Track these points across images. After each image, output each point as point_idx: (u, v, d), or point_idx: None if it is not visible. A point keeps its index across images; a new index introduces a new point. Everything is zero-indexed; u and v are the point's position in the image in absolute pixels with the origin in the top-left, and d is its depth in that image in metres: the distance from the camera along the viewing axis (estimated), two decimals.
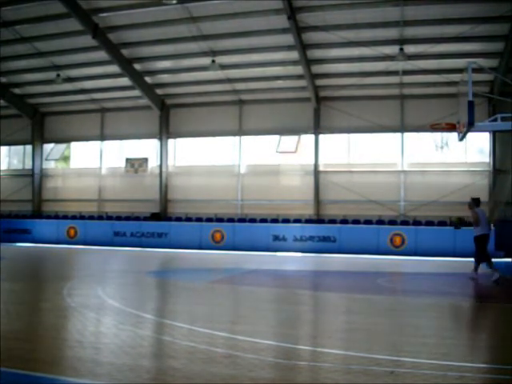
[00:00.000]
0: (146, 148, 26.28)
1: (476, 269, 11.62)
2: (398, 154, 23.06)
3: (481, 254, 11.54)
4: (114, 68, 23.08)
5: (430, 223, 21.62)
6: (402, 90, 22.79)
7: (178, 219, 24.75)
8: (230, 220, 23.92)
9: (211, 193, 24.79)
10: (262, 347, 5.05)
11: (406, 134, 22.95)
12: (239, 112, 25.00)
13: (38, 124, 27.80)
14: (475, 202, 11.90)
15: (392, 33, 19.80)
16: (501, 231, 20.30)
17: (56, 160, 28.19)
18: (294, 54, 20.90)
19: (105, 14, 20.69)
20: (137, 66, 23.50)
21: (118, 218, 25.18)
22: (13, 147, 29.07)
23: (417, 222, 21.86)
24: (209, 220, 24.09)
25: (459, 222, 13.06)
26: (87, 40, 21.12)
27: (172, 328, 5.89)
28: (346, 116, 23.10)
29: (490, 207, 21.62)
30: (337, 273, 14.54)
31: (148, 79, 24.38)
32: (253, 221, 23.61)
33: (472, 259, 12.05)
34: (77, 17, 20.09)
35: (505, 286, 12.00)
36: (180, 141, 26.11)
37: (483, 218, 11.76)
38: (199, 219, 24.22)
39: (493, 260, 11.54)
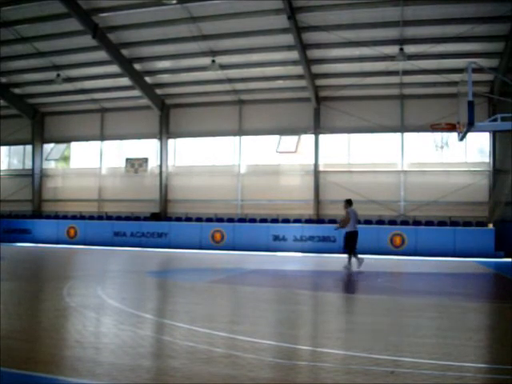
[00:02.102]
0: (146, 148, 26.30)
1: (358, 260, 13.29)
2: (398, 154, 23.08)
3: (352, 247, 13.38)
4: (114, 68, 23.10)
5: (429, 223, 21.63)
6: (402, 90, 22.80)
7: (178, 219, 24.76)
8: (230, 220, 23.92)
9: (211, 193, 24.80)
10: (262, 347, 5.05)
11: (406, 134, 22.99)
12: (239, 112, 25.01)
13: (38, 124, 27.82)
14: (348, 202, 13.72)
15: (392, 33, 19.81)
16: (501, 231, 20.34)
17: (56, 160, 28.20)
18: (294, 54, 20.91)
19: (105, 14, 20.70)
20: (137, 66, 23.51)
21: (118, 218, 25.20)
22: (13, 147, 29.10)
23: (417, 222, 21.87)
24: (209, 220, 24.10)
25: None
26: (87, 40, 21.14)
27: (172, 328, 5.89)
28: (345, 116, 23.12)
29: (490, 207, 21.63)
30: (337, 273, 14.54)
31: (148, 79, 24.39)
32: (253, 221, 23.62)
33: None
34: (77, 17, 20.11)
35: (505, 285, 12.02)
36: (180, 141, 26.13)
37: (354, 217, 13.55)
38: (199, 219, 24.23)
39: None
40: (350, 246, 13.44)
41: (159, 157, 25.64)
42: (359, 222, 14.87)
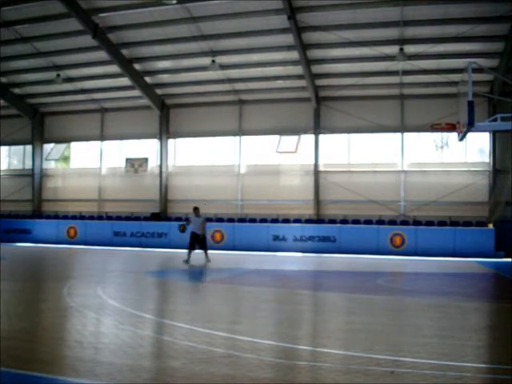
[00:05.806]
0: (146, 148, 26.28)
1: (189, 255, 15.63)
2: (398, 154, 23.07)
3: (193, 244, 15.74)
4: (114, 68, 23.09)
5: (430, 223, 21.62)
6: (402, 90, 22.79)
7: (178, 219, 24.71)
8: (230, 220, 23.91)
9: (211, 193, 24.77)
10: (262, 347, 5.05)
11: (406, 134, 22.97)
12: (239, 112, 25.01)
13: (37, 124, 27.81)
14: (197, 209, 16.08)
15: (392, 33, 19.80)
16: (501, 231, 20.33)
17: (56, 160, 28.19)
18: (294, 54, 20.90)
19: (105, 14, 20.69)
20: (137, 66, 23.50)
21: (118, 218, 25.19)
22: (13, 147, 29.09)
23: (417, 222, 21.86)
24: (209, 220, 24.02)
25: (182, 229, 16.22)
26: (87, 40, 21.13)
27: (172, 328, 5.90)
28: (345, 116, 23.11)
29: (490, 207, 21.63)
30: (337, 273, 14.54)
31: (148, 79, 24.38)
32: (253, 221, 23.61)
33: None
34: (77, 17, 20.11)
35: (505, 285, 12.03)
36: (180, 141, 26.12)
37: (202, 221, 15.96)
38: None
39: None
40: (193, 243, 15.73)
41: (159, 157, 25.63)
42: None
